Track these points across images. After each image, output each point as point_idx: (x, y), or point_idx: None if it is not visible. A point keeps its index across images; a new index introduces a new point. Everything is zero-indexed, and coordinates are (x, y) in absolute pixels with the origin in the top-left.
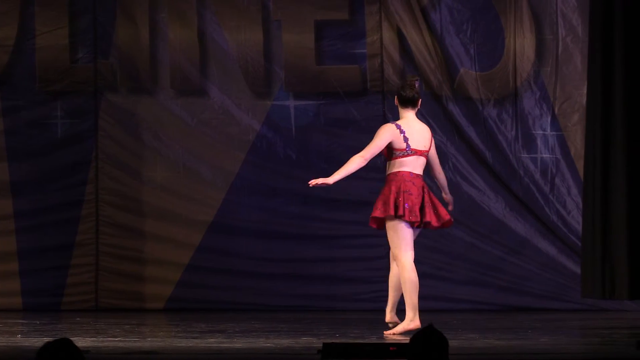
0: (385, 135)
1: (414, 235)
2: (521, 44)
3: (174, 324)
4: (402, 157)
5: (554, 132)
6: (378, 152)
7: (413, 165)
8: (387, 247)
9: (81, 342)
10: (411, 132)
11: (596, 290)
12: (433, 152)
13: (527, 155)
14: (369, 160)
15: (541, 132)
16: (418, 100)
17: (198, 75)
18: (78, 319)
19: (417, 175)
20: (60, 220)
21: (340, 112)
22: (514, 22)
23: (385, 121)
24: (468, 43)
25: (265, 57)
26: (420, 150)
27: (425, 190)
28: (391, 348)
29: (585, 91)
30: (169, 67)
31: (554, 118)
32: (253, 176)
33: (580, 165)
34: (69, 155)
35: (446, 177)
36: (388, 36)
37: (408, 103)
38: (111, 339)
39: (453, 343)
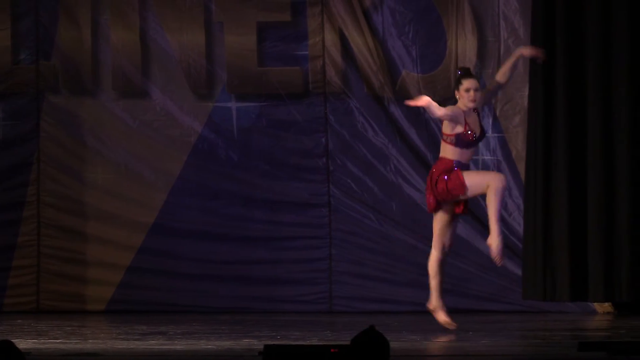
0: None
1: None
2: (463, 46)
3: (115, 326)
4: None
5: (496, 134)
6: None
7: None
8: (328, 249)
9: (22, 344)
10: None
11: (537, 292)
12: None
13: None
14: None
15: None
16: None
17: (140, 77)
18: (19, 320)
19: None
20: (2, 222)
21: (282, 113)
22: (455, 24)
23: (327, 123)
24: (410, 45)
25: (207, 59)
26: None
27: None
28: (332, 350)
29: (526, 93)
30: (111, 68)
31: (495, 120)
32: (195, 178)
33: (521, 167)
34: (10, 157)
35: (388, 179)
36: (330, 38)
37: None
38: (52, 340)
39: (394, 345)
